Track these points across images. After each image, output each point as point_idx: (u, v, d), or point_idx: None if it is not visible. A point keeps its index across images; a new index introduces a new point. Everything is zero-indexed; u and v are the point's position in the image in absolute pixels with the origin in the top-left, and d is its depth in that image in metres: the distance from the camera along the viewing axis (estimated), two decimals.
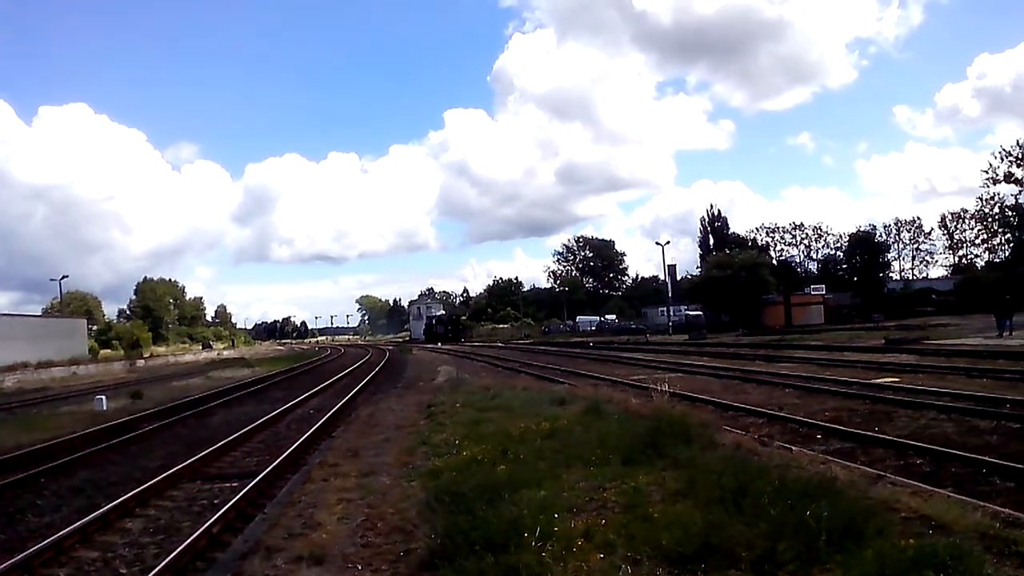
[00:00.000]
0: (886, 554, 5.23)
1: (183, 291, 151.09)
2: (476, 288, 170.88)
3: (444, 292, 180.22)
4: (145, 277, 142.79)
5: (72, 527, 8.84)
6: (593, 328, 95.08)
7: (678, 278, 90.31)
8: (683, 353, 40.19)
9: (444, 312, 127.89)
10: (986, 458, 9.88)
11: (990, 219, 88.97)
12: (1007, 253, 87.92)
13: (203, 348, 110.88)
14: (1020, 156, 77.51)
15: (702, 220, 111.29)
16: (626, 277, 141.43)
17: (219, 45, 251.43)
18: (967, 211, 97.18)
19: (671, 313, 79.15)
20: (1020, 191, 79.46)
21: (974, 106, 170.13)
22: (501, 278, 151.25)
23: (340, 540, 7.54)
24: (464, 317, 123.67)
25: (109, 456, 15.00)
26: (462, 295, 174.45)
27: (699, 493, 7.18)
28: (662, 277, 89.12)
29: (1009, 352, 25.50)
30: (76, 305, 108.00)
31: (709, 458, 8.74)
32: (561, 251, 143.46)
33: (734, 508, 6.51)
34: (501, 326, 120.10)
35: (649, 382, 13.70)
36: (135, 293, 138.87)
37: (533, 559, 5.71)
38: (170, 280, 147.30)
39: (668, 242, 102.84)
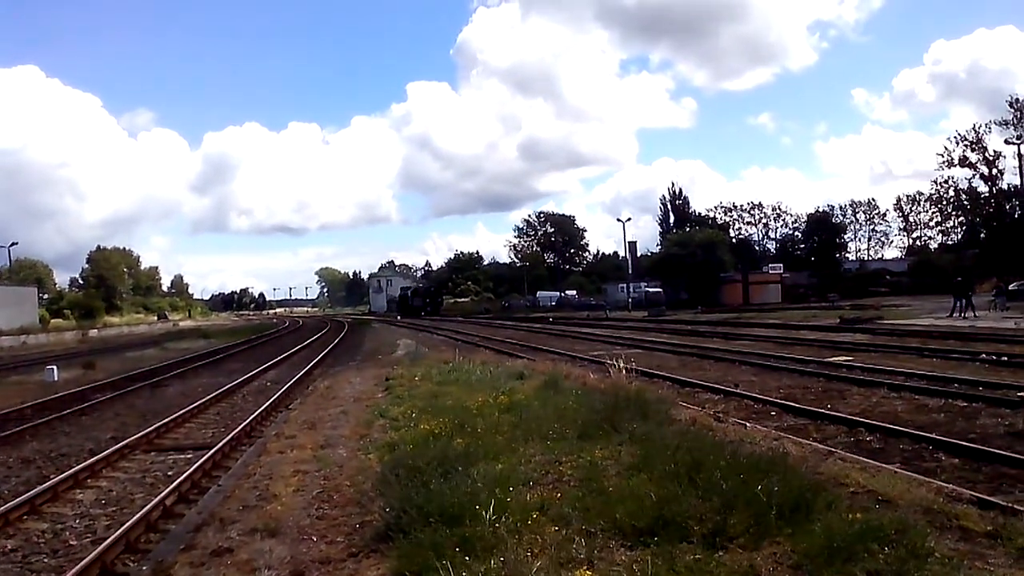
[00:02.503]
0: (834, 527, 5.34)
1: (138, 260, 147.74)
2: (437, 262, 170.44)
3: (404, 265, 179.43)
4: (98, 246, 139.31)
5: (20, 499, 8.70)
6: (553, 303, 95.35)
7: (638, 255, 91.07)
8: (642, 329, 40.53)
9: (421, 284, 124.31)
10: (933, 435, 10.12)
11: (944, 202, 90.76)
12: (960, 236, 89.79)
13: (159, 319, 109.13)
14: (975, 141, 78.99)
15: (663, 198, 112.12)
16: (587, 253, 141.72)
17: (178, 10, 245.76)
18: (922, 194, 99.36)
19: (631, 290, 79.74)
20: (974, 175, 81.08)
21: (930, 91, 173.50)
22: (462, 252, 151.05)
23: (295, 512, 7.51)
24: (434, 289, 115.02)
25: (60, 427, 14.76)
26: (423, 268, 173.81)
27: (654, 468, 7.24)
28: (622, 254, 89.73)
29: (958, 333, 26.09)
30: (26, 273, 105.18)
31: (664, 433, 8.83)
32: (522, 226, 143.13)
33: (688, 483, 6.58)
34: (462, 300, 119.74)
35: (607, 358, 13.79)
36: (88, 262, 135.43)
37: (488, 531, 5.73)
38: (124, 249, 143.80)
39: (629, 219, 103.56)
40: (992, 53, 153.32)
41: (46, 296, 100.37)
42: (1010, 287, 44.19)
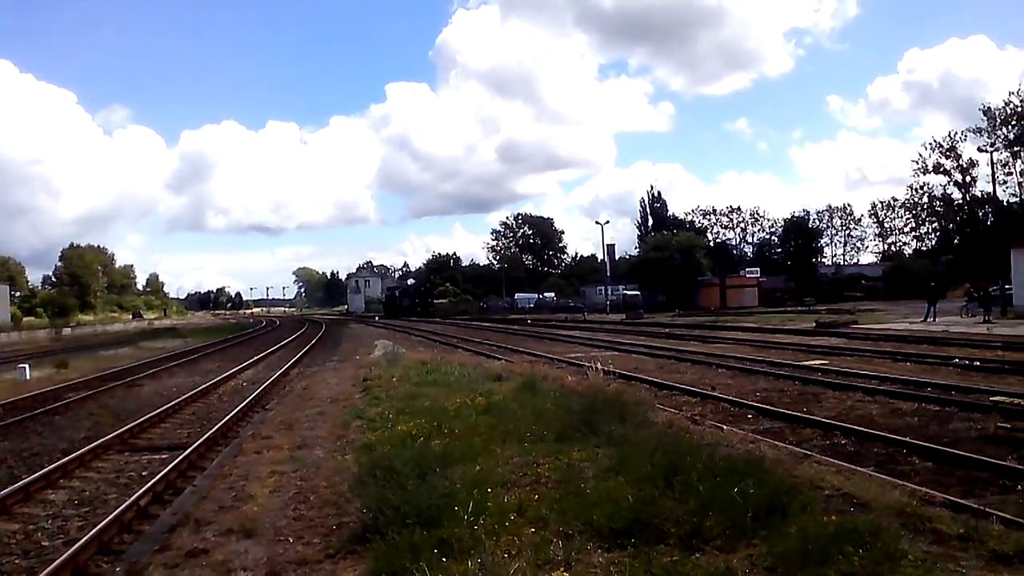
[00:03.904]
0: (809, 530, 5.38)
1: (112, 259, 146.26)
2: (415, 263, 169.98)
3: (382, 266, 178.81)
4: (72, 243, 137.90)
5: None
6: (531, 305, 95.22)
7: (616, 258, 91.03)
8: (620, 332, 40.62)
9: (410, 284, 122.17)
10: (907, 439, 10.21)
11: (918, 208, 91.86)
12: (934, 242, 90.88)
13: (133, 318, 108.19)
14: (949, 148, 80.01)
15: (641, 201, 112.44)
16: (565, 255, 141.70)
17: (155, 6, 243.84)
18: (897, 200, 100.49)
19: (609, 292, 79.88)
20: (948, 182, 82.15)
21: (903, 99, 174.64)
22: (440, 253, 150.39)
23: (271, 513, 7.47)
24: (424, 289, 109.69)
25: (32, 426, 14.57)
26: (401, 269, 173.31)
27: (631, 470, 7.27)
28: (601, 256, 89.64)
29: (932, 337, 26.39)
30: None
31: (642, 435, 8.86)
32: (500, 228, 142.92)
33: (665, 485, 6.61)
34: (439, 301, 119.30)
35: (585, 360, 13.85)
36: (61, 260, 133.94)
37: (465, 533, 5.73)
38: (99, 247, 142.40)
39: (607, 222, 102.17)
40: (964, 62, 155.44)
41: (18, 294, 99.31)
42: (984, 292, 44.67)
